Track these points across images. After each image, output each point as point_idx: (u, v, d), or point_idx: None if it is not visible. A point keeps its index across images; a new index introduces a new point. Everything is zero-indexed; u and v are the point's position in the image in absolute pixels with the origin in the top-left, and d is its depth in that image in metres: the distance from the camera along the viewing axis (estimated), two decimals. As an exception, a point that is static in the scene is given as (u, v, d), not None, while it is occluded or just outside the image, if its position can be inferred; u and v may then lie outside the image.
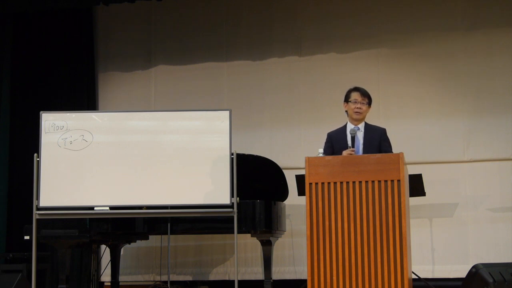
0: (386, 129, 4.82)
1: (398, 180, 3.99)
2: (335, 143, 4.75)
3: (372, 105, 4.83)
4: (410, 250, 4.20)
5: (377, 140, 4.69)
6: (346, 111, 4.83)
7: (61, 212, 5.10)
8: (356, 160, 4.14)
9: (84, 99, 7.07)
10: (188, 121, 5.22)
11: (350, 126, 4.75)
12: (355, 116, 4.74)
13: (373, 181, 4.02)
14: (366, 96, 4.77)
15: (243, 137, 6.55)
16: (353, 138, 4.58)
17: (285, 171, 5.88)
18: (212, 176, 5.08)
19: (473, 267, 4.72)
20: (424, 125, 6.54)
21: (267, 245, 5.41)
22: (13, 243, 6.72)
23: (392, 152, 4.61)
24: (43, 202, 5.03)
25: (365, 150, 4.64)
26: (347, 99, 4.80)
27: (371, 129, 4.76)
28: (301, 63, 6.88)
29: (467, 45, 6.55)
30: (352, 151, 4.51)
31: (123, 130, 5.21)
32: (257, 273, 6.54)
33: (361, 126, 4.76)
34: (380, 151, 4.61)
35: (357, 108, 4.73)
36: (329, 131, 4.90)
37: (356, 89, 4.79)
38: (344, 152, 4.52)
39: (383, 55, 6.73)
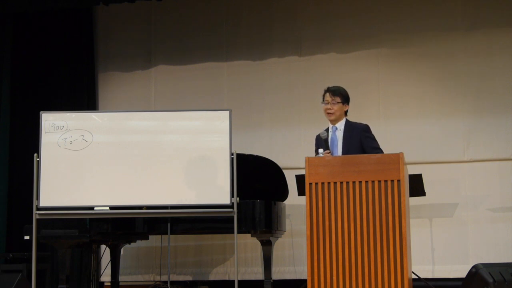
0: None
1: (398, 180, 3.98)
2: (317, 146, 4.71)
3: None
4: (410, 250, 4.19)
5: (357, 138, 4.60)
6: None
7: (61, 212, 5.10)
8: (356, 160, 4.12)
9: (84, 99, 7.07)
10: (188, 121, 5.22)
11: (332, 127, 4.72)
12: (327, 118, 4.72)
13: (373, 181, 4.01)
14: (337, 95, 4.69)
15: (243, 137, 6.54)
16: (326, 140, 4.55)
17: (285, 171, 5.88)
18: (212, 176, 5.07)
19: (473, 267, 4.72)
20: (424, 125, 6.53)
21: (267, 245, 5.41)
22: (13, 243, 6.72)
23: (379, 147, 4.60)
24: (43, 202, 5.02)
25: (344, 149, 4.59)
26: (322, 101, 4.76)
27: (351, 127, 4.67)
28: (301, 63, 6.88)
29: (467, 45, 6.55)
30: (327, 153, 4.48)
31: (123, 130, 5.21)
32: (257, 273, 6.54)
33: (341, 125, 4.69)
34: (362, 148, 4.55)
35: (327, 109, 4.70)
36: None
37: (327, 89, 4.74)
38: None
39: (383, 55, 6.73)
